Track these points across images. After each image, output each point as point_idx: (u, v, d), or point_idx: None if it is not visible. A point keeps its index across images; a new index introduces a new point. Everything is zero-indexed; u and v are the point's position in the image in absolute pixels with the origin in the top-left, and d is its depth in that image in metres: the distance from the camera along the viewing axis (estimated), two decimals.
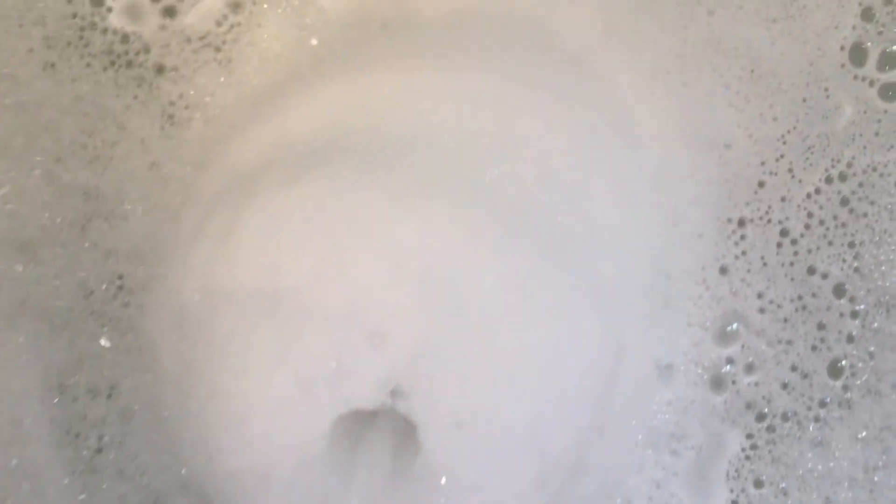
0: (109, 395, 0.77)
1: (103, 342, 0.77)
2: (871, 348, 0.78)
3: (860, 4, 0.78)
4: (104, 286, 0.78)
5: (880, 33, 0.78)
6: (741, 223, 0.79)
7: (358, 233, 0.62)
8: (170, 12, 0.79)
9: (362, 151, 0.66)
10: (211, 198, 0.71)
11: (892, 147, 0.78)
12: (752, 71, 0.78)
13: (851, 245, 0.79)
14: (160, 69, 0.79)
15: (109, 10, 0.79)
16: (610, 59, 0.78)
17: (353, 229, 0.62)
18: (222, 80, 0.79)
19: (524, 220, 0.66)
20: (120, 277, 0.78)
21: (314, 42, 0.78)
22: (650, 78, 0.78)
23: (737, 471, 0.77)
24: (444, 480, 0.62)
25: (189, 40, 0.79)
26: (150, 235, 0.77)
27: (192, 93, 0.79)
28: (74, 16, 0.79)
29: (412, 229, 0.62)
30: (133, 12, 0.80)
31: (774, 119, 0.78)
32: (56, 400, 0.76)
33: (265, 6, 0.79)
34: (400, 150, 0.66)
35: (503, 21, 0.78)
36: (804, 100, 0.78)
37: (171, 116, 0.79)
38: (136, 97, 0.79)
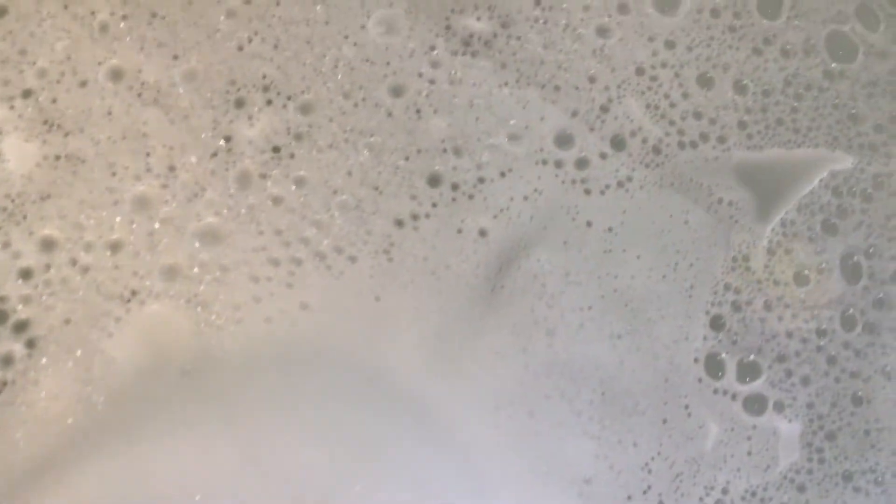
0: None
1: None
2: None
3: (707, 313, 0.68)
4: None
5: (734, 342, 0.67)
6: None
7: None
8: None
9: None
10: None
11: (768, 467, 0.65)
12: (604, 393, 0.66)
13: None
14: None
15: None
16: (444, 394, 0.63)
17: None
18: None
19: None
20: None
21: (100, 399, 0.62)
22: (492, 410, 0.64)
23: None
24: None
25: None
26: None
27: None
28: None
29: None
30: None
31: (635, 445, 0.65)
32: None
33: (43, 360, 0.64)
34: None
35: (323, 359, 0.64)
36: (664, 421, 0.66)
37: None
38: None
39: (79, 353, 0.62)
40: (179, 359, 0.62)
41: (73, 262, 0.64)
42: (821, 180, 0.67)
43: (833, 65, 0.66)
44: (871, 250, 0.66)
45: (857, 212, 0.67)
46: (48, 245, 0.65)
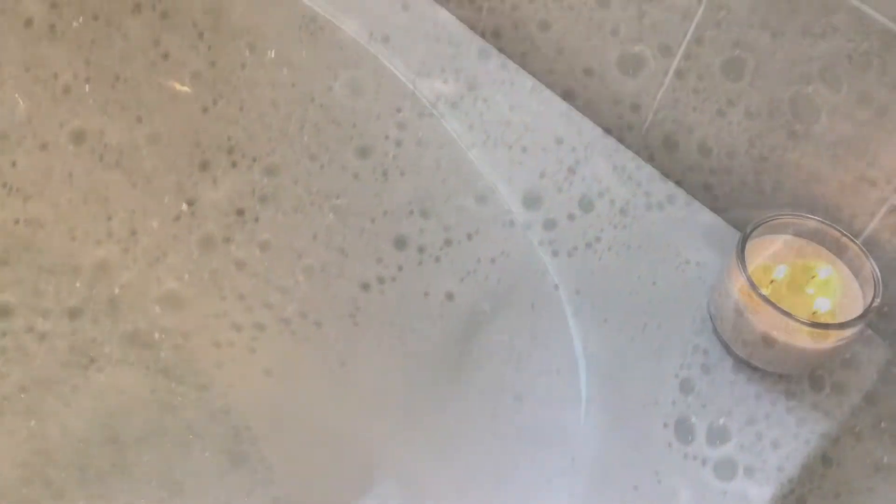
0: None
1: None
2: None
3: (677, 377, 0.67)
4: None
5: (704, 406, 0.66)
6: None
7: None
8: None
9: None
10: None
11: None
12: (573, 460, 0.64)
13: None
14: None
15: None
16: (411, 461, 0.62)
17: None
18: None
19: None
20: None
21: (55, 471, 0.60)
22: (461, 478, 0.63)
23: None
24: None
25: None
26: None
27: None
28: None
29: None
30: None
31: None
32: None
33: None
34: None
35: (286, 427, 0.62)
36: (635, 487, 0.64)
37: None
38: None
39: (34, 423, 0.59)
40: (138, 428, 0.60)
41: (30, 329, 0.62)
42: (785, 241, 0.67)
43: (797, 126, 0.66)
44: (836, 310, 0.66)
45: (822, 272, 0.66)
46: (5, 312, 0.63)
